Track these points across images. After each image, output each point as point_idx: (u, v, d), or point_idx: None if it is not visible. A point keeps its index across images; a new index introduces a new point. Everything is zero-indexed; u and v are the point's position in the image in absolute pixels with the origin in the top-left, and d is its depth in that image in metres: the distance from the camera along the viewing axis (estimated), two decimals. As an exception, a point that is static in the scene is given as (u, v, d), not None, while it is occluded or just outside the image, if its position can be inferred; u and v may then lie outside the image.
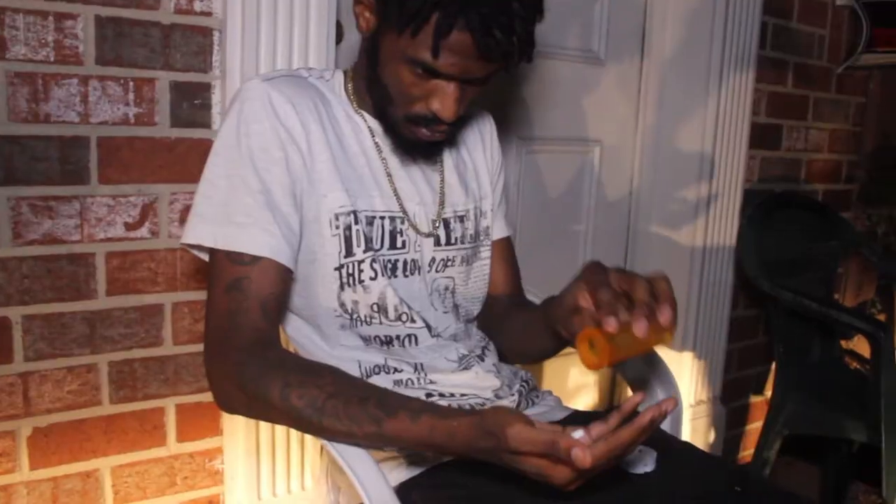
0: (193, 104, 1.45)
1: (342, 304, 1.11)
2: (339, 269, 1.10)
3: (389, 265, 1.14)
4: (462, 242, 1.24)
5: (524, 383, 1.25)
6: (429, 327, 1.16)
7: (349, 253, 1.10)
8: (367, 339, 1.14)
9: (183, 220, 1.47)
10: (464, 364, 1.18)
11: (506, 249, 1.39)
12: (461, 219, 1.25)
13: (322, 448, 1.56)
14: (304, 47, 1.47)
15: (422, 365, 1.15)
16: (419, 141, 1.12)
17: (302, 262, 1.09)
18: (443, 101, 1.04)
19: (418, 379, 1.15)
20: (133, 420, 1.50)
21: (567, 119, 2.14)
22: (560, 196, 2.17)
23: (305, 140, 1.07)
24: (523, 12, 0.98)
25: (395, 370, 1.15)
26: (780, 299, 2.10)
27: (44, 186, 1.35)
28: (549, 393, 1.31)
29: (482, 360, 1.21)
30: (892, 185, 2.67)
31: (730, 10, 2.20)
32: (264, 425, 1.57)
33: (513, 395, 1.21)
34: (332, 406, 0.95)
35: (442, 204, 1.23)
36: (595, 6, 2.14)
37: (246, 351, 1.00)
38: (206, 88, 1.46)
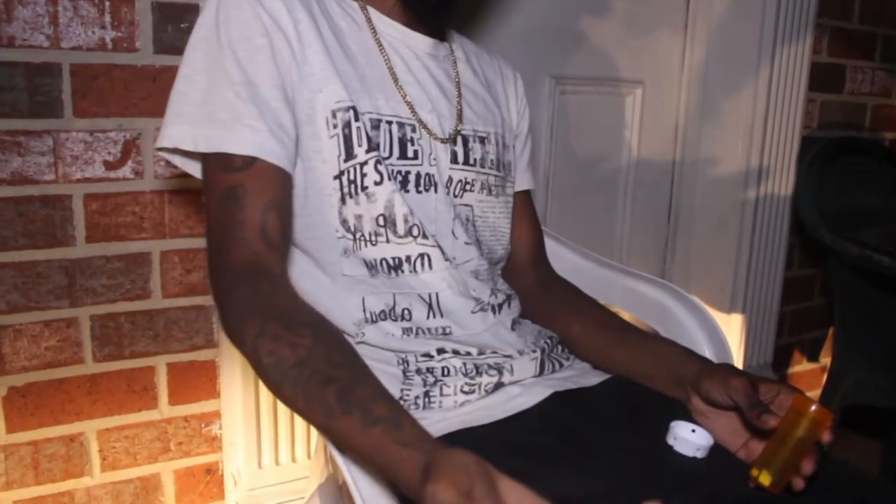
0: (179, 28, 1.29)
1: (344, 221, 0.95)
2: (339, 176, 0.93)
3: (399, 176, 0.97)
4: (482, 166, 1.07)
5: (548, 340, 1.08)
6: (443, 252, 0.99)
7: (350, 155, 0.93)
8: (372, 267, 0.96)
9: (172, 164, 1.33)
10: (482, 306, 1.02)
11: (528, 204, 1.23)
12: (482, 140, 1.08)
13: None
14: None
15: (437, 299, 0.98)
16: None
17: (296, 173, 0.94)
18: None
19: (430, 328, 0.98)
20: (120, 380, 1.37)
21: (605, 56, 1.95)
22: (597, 142, 1.98)
23: (294, 29, 0.91)
24: None
25: (405, 314, 0.98)
26: (845, 254, 1.88)
27: (10, 119, 1.21)
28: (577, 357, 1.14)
29: (504, 308, 1.05)
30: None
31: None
32: (266, 388, 1.43)
33: (535, 352, 1.03)
34: (296, 375, 0.78)
35: (459, 118, 1.06)
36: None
37: (236, 275, 0.84)
38: (193, 10, 1.30)
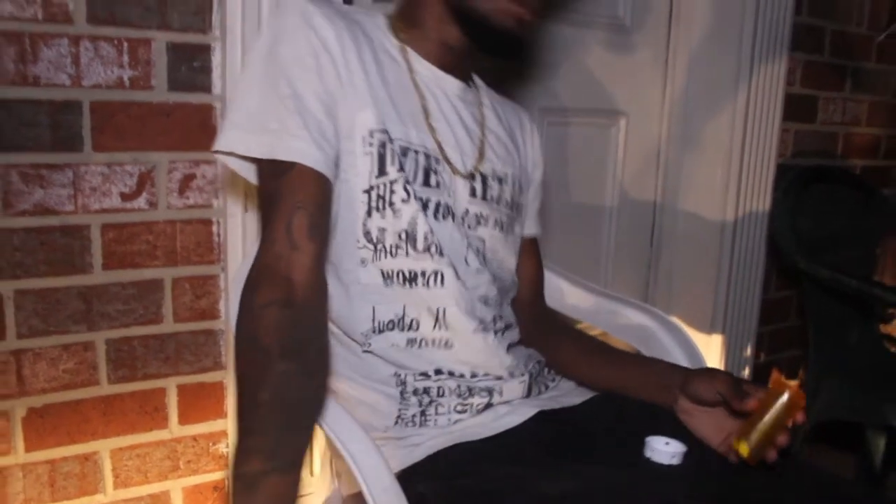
0: (192, 67, 1.37)
1: (367, 233, 1.02)
2: (368, 190, 1.01)
3: (420, 202, 1.05)
4: (497, 203, 1.15)
5: (536, 364, 1.17)
6: (456, 272, 1.07)
7: (382, 172, 1.01)
8: (388, 277, 1.04)
9: (182, 190, 1.40)
10: (484, 326, 1.09)
11: (535, 248, 1.32)
12: (500, 180, 1.17)
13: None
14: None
15: (444, 313, 1.06)
16: (514, 27, 1.04)
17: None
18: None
19: (434, 340, 1.06)
20: (133, 401, 1.44)
21: (591, 90, 2.04)
22: (583, 170, 2.07)
23: (341, 54, 1.00)
24: None
25: (413, 324, 1.05)
26: (817, 277, 1.98)
27: (34, 153, 1.28)
28: (563, 378, 1.22)
29: (504, 333, 1.13)
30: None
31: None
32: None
33: (524, 375, 1.12)
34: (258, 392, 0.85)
35: (481, 157, 1.14)
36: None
37: (256, 274, 0.90)
38: (205, 50, 1.38)
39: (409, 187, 1.02)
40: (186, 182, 1.40)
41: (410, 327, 1.05)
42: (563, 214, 2.03)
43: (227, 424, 1.53)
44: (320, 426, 0.95)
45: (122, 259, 1.38)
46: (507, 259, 1.19)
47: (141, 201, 1.38)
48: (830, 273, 1.88)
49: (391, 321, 1.05)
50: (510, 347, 1.13)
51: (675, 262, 2.27)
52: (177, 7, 1.34)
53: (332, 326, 1.07)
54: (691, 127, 2.19)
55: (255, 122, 0.94)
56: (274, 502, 0.82)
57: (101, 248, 1.36)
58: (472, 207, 1.11)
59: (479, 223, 1.12)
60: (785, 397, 0.97)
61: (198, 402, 1.50)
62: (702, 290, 2.25)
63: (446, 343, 1.06)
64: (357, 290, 1.04)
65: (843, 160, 2.55)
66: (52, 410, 1.37)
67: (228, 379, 1.50)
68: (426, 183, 1.05)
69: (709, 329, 2.24)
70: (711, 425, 1.08)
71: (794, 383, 0.98)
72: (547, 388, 1.16)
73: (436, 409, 1.05)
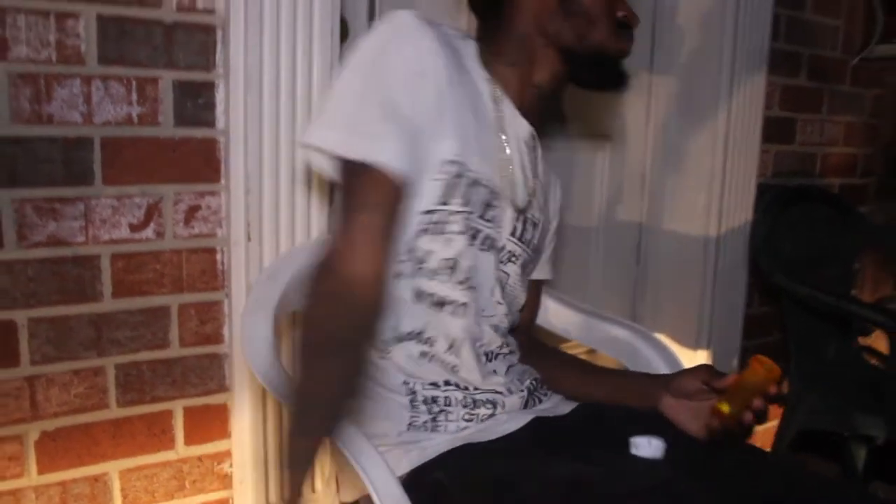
0: (197, 103, 1.43)
1: (411, 250, 1.10)
2: (428, 212, 1.08)
3: (472, 231, 1.13)
4: (528, 246, 1.25)
5: (533, 381, 1.25)
6: (478, 305, 1.16)
7: (446, 202, 1.09)
8: (419, 296, 1.12)
9: (188, 221, 1.46)
10: (488, 357, 1.19)
11: (539, 289, 1.44)
12: (534, 224, 1.26)
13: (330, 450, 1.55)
14: (307, 44, 1.46)
15: (456, 343, 1.14)
16: (622, 56, 1.17)
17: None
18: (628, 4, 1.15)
19: (443, 361, 1.14)
20: (141, 423, 1.49)
21: (576, 116, 2.12)
22: (570, 193, 2.15)
23: (446, 85, 1.06)
24: None
25: (429, 341, 1.13)
26: (796, 295, 2.07)
27: (48, 188, 1.34)
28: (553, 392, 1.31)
29: (506, 357, 1.23)
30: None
31: (742, 3, 2.16)
32: (273, 428, 1.56)
33: (522, 391, 1.20)
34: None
35: (529, 203, 1.23)
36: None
37: (318, 265, 0.97)
38: (209, 87, 1.44)
39: (467, 220, 1.10)
40: (192, 213, 1.46)
41: (427, 343, 1.14)
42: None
43: (231, 445, 1.58)
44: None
45: (130, 287, 1.43)
46: (520, 296, 1.28)
47: (149, 232, 1.43)
48: (808, 290, 1.96)
49: (410, 332, 1.13)
50: (509, 368, 1.22)
51: (661, 280, 2.34)
52: (182, 46, 1.40)
53: None
54: (674, 150, 2.27)
55: (349, 123, 1.00)
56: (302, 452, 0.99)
57: (110, 277, 1.41)
58: (508, 245, 1.20)
59: (510, 260, 1.21)
60: (759, 369, 1.11)
61: (203, 424, 1.55)
62: (687, 307, 2.32)
63: (453, 368, 1.15)
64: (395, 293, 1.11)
65: (821, 179, 2.63)
66: (64, 434, 1.42)
67: (232, 401, 1.56)
68: (483, 216, 1.14)
69: (694, 344, 2.30)
70: (693, 415, 1.21)
71: (769, 361, 1.12)
72: (541, 401, 1.24)
73: (446, 416, 1.13)
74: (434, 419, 1.13)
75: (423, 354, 1.14)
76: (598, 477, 0.99)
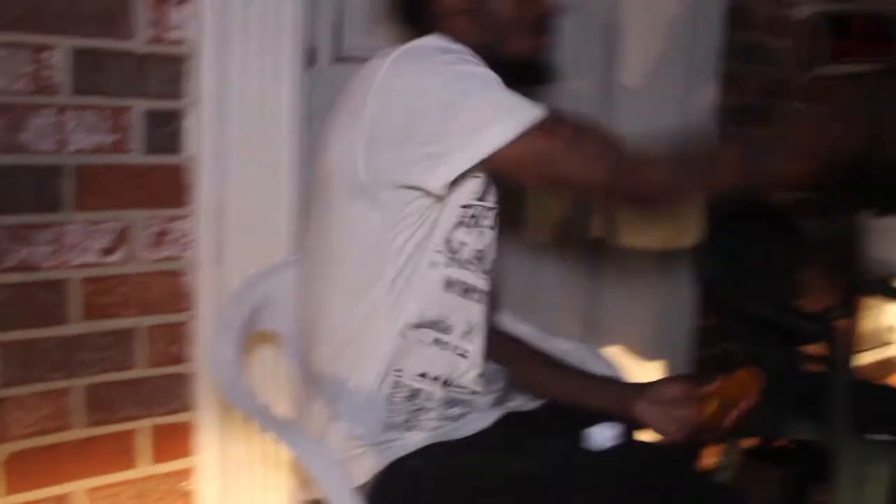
0: (167, 131, 1.47)
1: (448, 241, 1.16)
2: (467, 207, 1.15)
3: (498, 226, 1.23)
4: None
5: (503, 382, 1.33)
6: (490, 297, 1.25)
7: (482, 198, 1.17)
8: (450, 284, 1.18)
9: (157, 245, 1.49)
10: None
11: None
12: None
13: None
14: (274, 73, 1.50)
15: (477, 328, 1.22)
16: (543, 55, 1.23)
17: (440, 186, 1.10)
18: None
19: (456, 347, 1.21)
20: (107, 443, 1.52)
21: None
22: (527, 207, 2.21)
23: None
24: None
25: (448, 329, 1.19)
26: (737, 307, 2.16)
27: (20, 215, 1.36)
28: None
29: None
30: (856, 192, 2.74)
31: (693, 25, 2.24)
32: (236, 443, 1.59)
33: (494, 393, 1.29)
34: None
35: None
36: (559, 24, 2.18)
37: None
38: (179, 115, 1.47)
39: (496, 216, 1.20)
40: (161, 237, 1.49)
41: (445, 330, 1.19)
42: (508, 251, 2.16)
43: (196, 462, 1.61)
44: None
45: (100, 310, 1.46)
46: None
47: (118, 256, 1.46)
48: (749, 303, 2.05)
49: (433, 320, 1.18)
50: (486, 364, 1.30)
51: (615, 293, 2.41)
52: (153, 76, 1.43)
53: (374, 298, 1.16)
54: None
55: (502, 108, 1.06)
56: None
57: (80, 300, 1.44)
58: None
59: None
60: (739, 376, 1.22)
61: (168, 443, 1.58)
62: (640, 320, 2.39)
63: (464, 353, 1.22)
64: (418, 285, 1.16)
65: (772, 194, 2.72)
66: (32, 454, 1.44)
67: (197, 419, 1.59)
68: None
69: (648, 356, 2.38)
70: (670, 421, 1.25)
71: (752, 370, 1.23)
72: (512, 399, 1.33)
73: (425, 413, 1.19)
74: (408, 421, 1.18)
75: (437, 342, 1.19)
76: (552, 472, 1.09)
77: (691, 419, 1.22)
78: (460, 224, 1.16)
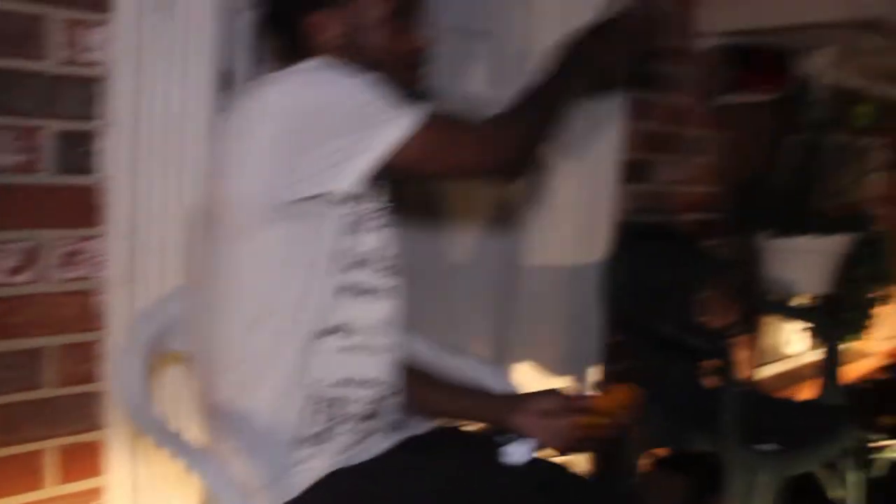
0: (79, 151, 1.47)
1: (344, 246, 1.19)
2: (358, 208, 1.20)
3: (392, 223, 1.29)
4: None
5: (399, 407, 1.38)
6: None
7: (376, 198, 1.23)
8: (348, 288, 1.21)
9: (68, 264, 1.49)
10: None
11: None
12: None
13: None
14: (186, 95, 1.53)
15: (380, 324, 1.26)
16: (418, 87, 1.29)
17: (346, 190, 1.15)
18: (420, 31, 1.29)
19: (365, 348, 1.24)
20: (15, 463, 1.51)
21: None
22: (444, 227, 2.27)
23: None
24: None
25: (351, 332, 1.22)
26: (640, 324, 2.27)
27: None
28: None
29: None
30: (755, 214, 2.88)
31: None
32: (146, 462, 1.60)
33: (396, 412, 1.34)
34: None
35: None
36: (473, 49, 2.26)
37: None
38: (91, 136, 1.48)
39: (386, 215, 1.25)
40: (71, 257, 1.50)
41: (349, 334, 1.22)
42: (422, 270, 2.21)
43: (105, 481, 1.61)
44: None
45: (7, 329, 1.45)
46: None
47: (26, 276, 1.46)
48: (649, 321, 2.16)
49: (335, 326, 1.21)
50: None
51: (528, 311, 2.47)
52: (67, 97, 1.44)
53: (279, 319, 1.19)
54: (541, 190, 2.42)
55: (393, 108, 1.12)
56: None
57: (-14, 320, 1.43)
58: None
59: None
60: (614, 393, 1.32)
61: (77, 462, 1.58)
62: (551, 336, 2.47)
63: (375, 351, 1.26)
64: (318, 296, 1.19)
65: (677, 215, 2.85)
66: (-65, 477, 1.43)
67: (106, 438, 1.59)
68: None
69: (559, 370, 2.46)
70: (552, 432, 1.32)
71: (628, 385, 1.31)
72: (408, 425, 1.37)
73: (339, 427, 1.23)
74: (321, 434, 1.21)
75: (344, 347, 1.22)
76: (463, 490, 1.16)
77: (568, 431, 1.30)
78: (355, 227, 1.20)
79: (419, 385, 1.43)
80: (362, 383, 1.24)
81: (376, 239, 1.23)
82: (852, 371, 4.13)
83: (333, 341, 1.21)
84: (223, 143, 1.18)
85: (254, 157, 1.12)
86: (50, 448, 1.54)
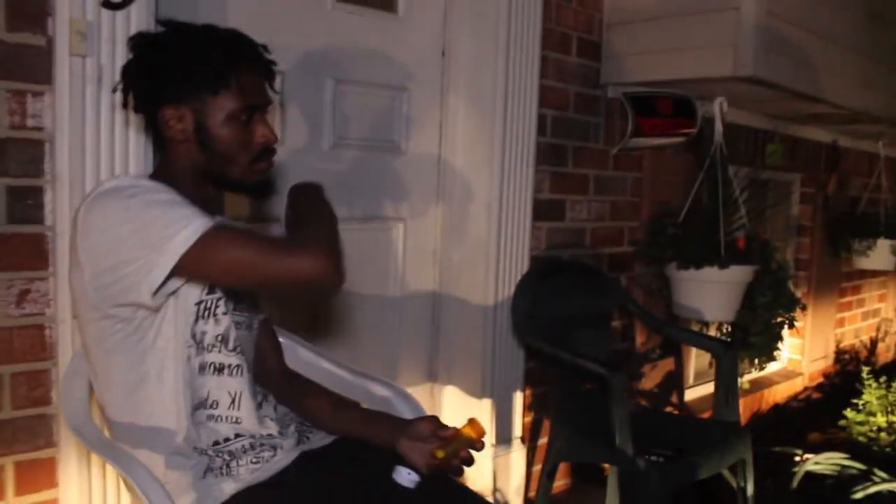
0: (27, 204, 1.70)
1: (193, 334, 1.39)
2: (199, 303, 1.39)
3: (234, 316, 1.48)
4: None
5: (298, 423, 1.59)
6: (249, 366, 1.49)
7: (211, 290, 1.41)
8: (203, 368, 1.41)
9: (20, 302, 1.71)
10: (260, 400, 1.51)
11: (269, 325, 1.76)
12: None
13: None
14: (124, 156, 1.77)
15: (240, 396, 1.45)
16: (262, 177, 1.47)
17: (162, 295, 1.31)
18: (266, 127, 1.43)
19: (228, 417, 1.45)
20: (-27, 479, 1.71)
21: (374, 201, 2.50)
22: (371, 267, 2.52)
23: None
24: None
25: (213, 404, 1.43)
26: (545, 352, 2.52)
27: None
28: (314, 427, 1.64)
29: (268, 400, 1.55)
30: (664, 246, 3.12)
31: (509, 106, 2.61)
32: (97, 475, 1.81)
33: (294, 433, 1.54)
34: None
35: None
36: (396, 103, 2.54)
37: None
38: (38, 191, 1.71)
39: (227, 304, 1.43)
40: (23, 295, 1.72)
41: (212, 406, 1.44)
42: (350, 305, 2.45)
43: (58, 493, 1.81)
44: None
45: (-35, 360, 1.68)
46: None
47: (-16, 312, 1.69)
48: (552, 348, 2.39)
49: (202, 401, 1.43)
50: (276, 409, 1.55)
51: (452, 341, 2.72)
52: (15, 157, 1.67)
53: (152, 390, 1.40)
54: (458, 229, 2.68)
55: (183, 220, 1.25)
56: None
57: (-53, 353, 1.65)
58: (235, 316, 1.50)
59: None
60: (468, 428, 1.47)
61: (31, 477, 1.78)
62: (475, 363, 2.69)
63: (237, 420, 1.46)
64: (181, 375, 1.40)
65: (592, 249, 3.09)
66: None
67: (59, 454, 1.80)
68: (235, 308, 1.48)
69: (481, 394, 2.68)
70: (421, 455, 1.51)
71: (479, 422, 1.48)
72: (308, 439, 1.58)
73: (236, 462, 1.44)
74: (222, 468, 1.43)
75: (210, 417, 1.44)
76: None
77: (432, 454, 1.48)
78: (199, 317, 1.40)
79: (318, 404, 1.65)
80: (236, 436, 1.46)
81: (222, 325, 1.43)
82: (783, 391, 4.38)
83: (203, 413, 1.44)
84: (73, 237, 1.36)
85: (82, 268, 1.32)
86: (5, 465, 1.75)
